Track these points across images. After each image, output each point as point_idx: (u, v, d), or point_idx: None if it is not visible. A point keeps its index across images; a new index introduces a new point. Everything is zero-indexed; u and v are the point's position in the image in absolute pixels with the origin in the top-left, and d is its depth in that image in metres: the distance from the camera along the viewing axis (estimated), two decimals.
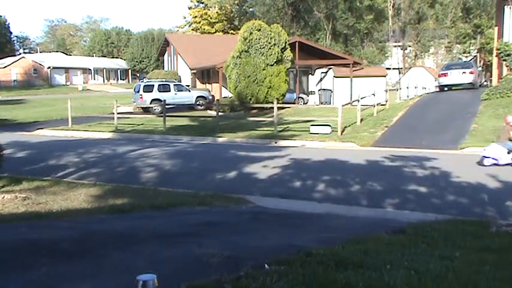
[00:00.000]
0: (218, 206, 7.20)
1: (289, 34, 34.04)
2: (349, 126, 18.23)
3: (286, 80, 25.69)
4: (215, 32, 61.15)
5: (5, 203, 6.91)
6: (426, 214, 6.88)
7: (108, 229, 5.55)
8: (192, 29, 65.66)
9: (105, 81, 70.80)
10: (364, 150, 13.93)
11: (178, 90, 28.35)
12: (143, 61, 71.39)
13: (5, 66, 60.40)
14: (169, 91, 27.63)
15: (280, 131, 18.17)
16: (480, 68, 38.27)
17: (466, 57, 52.94)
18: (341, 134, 16.49)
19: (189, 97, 28.84)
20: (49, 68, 62.51)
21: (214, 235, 5.32)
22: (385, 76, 33.90)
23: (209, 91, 32.18)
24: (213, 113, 24.06)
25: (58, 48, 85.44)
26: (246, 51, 24.86)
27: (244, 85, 24.82)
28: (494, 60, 25.97)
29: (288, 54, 25.60)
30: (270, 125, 18.68)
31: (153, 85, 27.78)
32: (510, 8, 22.91)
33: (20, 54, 69.62)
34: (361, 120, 19.04)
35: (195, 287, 3.24)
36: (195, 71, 37.87)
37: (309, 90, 34.51)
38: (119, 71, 75.07)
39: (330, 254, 4.06)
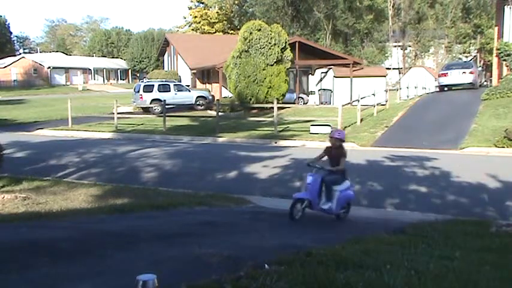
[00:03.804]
0: (218, 206, 7.20)
1: (289, 34, 34.05)
2: (349, 126, 18.23)
3: (286, 80, 25.69)
4: (215, 32, 61.16)
5: (5, 203, 6.91)
6: (426, 214, 6.89)
7: (108, 229, 5.55)
8: (192, 29, 65.68)
9: (105, 81, 70.82)
10: (364, 150, 13.93)
11: (178, 90, 28.36)
12: (143, 61, 71.41)
13: (5, 66, 60.41)
14: (169, 91, 27.64)
15: (280, 131, 18.16)
16: (480, 68, 38.27)
17: (466, 57, 52.95)
18: None
19: (189, 97, 28.84)
20: (49, 68, 62.53)
21: (214, 235, 5.32)
22: (385, 76, 33.88)
23: (209, 91, 32.18)
24: (213, 113, 24.05)
25: (58, 48, 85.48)
26: (246, 51, 24.86)
27: (244, 85, 24.82)
28: (494, 60, 25.97)
29: (288, 54, 25.61)
30: (270, 125, 18.68)
31: (153, 85, 27.78)
32: (510, 8, 22.91)
33: (20, 54, 69.69)
34: (361, 120, 19.04)
35: (195, 287, 3.24)
36: (195, 71, 37.88)
37: (309, 90, 34.50)
38: (119, 71, 75.09)
39: (330, 254, 4.06)
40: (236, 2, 61.41)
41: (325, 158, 6.71)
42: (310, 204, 6.18)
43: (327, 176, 6.40)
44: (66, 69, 65.79)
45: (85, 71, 68.59)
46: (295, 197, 6.28)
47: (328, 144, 6.79)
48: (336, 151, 6.60)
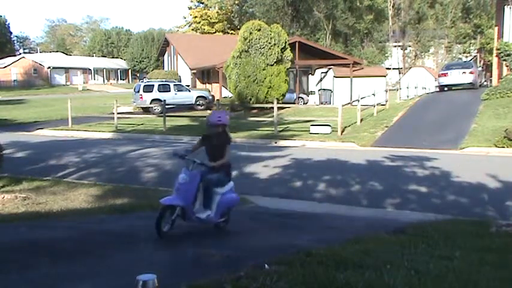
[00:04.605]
0: None
1: (289, 34, 34.05)
2: (349, 126, 18.23)
3: (286, 80, 25.69)
4: (215, 32, 61.16)
5: (5, 203, 6.91)
6: (426, 214, 6.88)
7: (108, 229, 5.55)
8: (192, 29, 65.68)
9: (105, 81, 70.82)
10: (364, 150, 13.93)
11: (178, 90, 28.35)
12: (143, 61, 71.42)
13: (5, 66, 60.40)
14: (169, 91, 27.63)
15: (281, 131, 18.16)
16: (480, 68, 38.26)
17: (466, 57, 52.96)
18: (341, 134, 16.48)
19: (189, 97, 28.83)
20: (49, 68, 62.53)
21: (214, 235, 5.32)
22: (385, 76, 33.88)
23: (209, 91, 32.17)
24: None
25: (58, 48, 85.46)
26: (246, 51, 24.86)
27: (244, 85, 24.82)
28: (494, 60, 25.97)
29: (288, 54, 25.60)
30: (270, 125, 18.68)
31: (153, 85, 27.78)
32: (510, 8, 22.90)
33: (20, 54, 69.65)
34: (361, 120, 19.04)
35: (195, 287, 3.24)
36: (195, 71, 37.88)
37: (309, 90, 34.50)
38: (118, 71, 75.09)
39: (330, 254, 4.06)
40: (236, 2, 61.40)
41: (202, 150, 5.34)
42: (182, 212, 4.82)
43: (209, 175, 5.01)
44: (66, 69, 65.78)
45: (85, 71, 68.58)
46: (163, 203, 4.80)
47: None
48: (217, 139, 5.17)
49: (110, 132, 19.56)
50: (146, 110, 27.12)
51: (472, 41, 54.19)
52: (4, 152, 9.19)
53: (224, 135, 5.18)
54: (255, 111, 24.60)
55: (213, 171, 5.01)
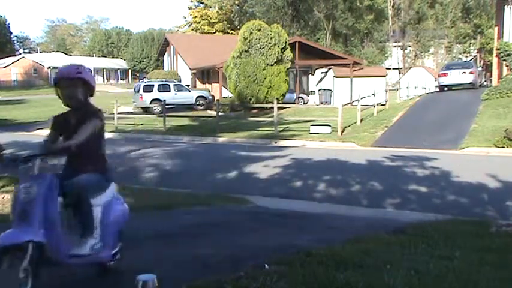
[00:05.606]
0: (218, 206, 7.20)
1: (289, 34, 34.05)
2: (349, 126, 18.23)
3: (286, 80, 25.70)
4: (215, 32, 61.16)
5: (5, 203, 6.91)
6: (426, 214, 6.87)
7: None
8: (192, 29, 65.70)
9: (105, 81, 70.83)
10: (364, 150, 13.93)
11: (178, 90, 28.37)
12: (143, 61, 71.42)
13: (5, 66, 60.41)
14: (169, 91, 27.65)
15: (281, 131, 18.16)
16: (480, 68, 38.27)
17: (466, 57, 52.98)
18: (341, 134, 16.49)
19: (189, 97, 28.84)
20: (49, 68, 62.51)
21: (214, 235, 5.32)
22: (385, 76, 33.89)
23: (209, 91, 32.19)
24: (213, 113, 24.05)
25: (58, 48, 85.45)
26: (246, 51, 24.87)
27: (244, 85, 24.83)
28: (494, 60, 25.98)
29: (288, 54, 25.62)
30: (270, 125, 18.68)
31: (153, 85, 27.80)
32: (510, 8, 22.91)
33: (20, 54, 69.66)
34: (361, 120, 19.04)
35: (195, 287, 3.24)
36: (195, 71, 37.89)
37: (309, 90, 34.51)
38: (119, 71, 75.09)
39: (330, 254, 4.06)
40: (236, 2, 61.40)
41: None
42: (42, 252, 2.72)
43: (75, 177, 3.11)
44: None
45: None
46: (2, 244, 2.63)
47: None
48: (76, 114, 3.43)
49: (110, 132, 19.52)
50: (146, 110, 27.12)
51: (472, 41, 54.21)
52: (4, 152, 9.19)
53: (89, 107, 3.35)
54: (255, 111, 24.61)
55: (74, 166, 3.07)
